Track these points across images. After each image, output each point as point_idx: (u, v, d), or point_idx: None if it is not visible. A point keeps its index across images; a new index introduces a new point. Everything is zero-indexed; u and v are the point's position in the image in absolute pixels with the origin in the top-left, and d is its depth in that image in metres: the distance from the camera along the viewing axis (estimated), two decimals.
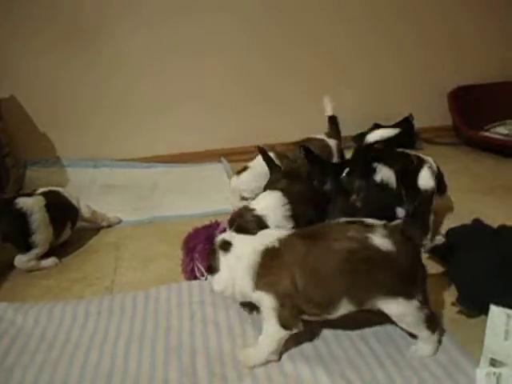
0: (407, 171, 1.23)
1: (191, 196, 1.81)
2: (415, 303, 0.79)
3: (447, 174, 1.39)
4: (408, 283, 0.80)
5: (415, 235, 0.82)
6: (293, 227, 1.06)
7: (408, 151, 1.38)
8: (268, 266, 0.82)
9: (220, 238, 0.90)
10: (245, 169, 1.42)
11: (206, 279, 1.10)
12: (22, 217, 1.21)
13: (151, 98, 2.18)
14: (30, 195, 1.31)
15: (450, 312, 0.97)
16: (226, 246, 0.87)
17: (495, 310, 0.89)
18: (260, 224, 1.02)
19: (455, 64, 2.49)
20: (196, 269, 1.10)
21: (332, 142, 1.57)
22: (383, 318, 0.87)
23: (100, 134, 2.17)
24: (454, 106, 2.34)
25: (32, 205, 1.24)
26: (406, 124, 2.47)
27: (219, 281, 0.86)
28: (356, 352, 0.86)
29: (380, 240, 0.78)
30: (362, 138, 2.38)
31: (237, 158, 2.06)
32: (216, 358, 0.86)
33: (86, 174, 2.11)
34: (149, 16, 2.07)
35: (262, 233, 0.90)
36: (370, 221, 0.83)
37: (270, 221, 1.04)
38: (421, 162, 1.26)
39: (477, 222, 1.14)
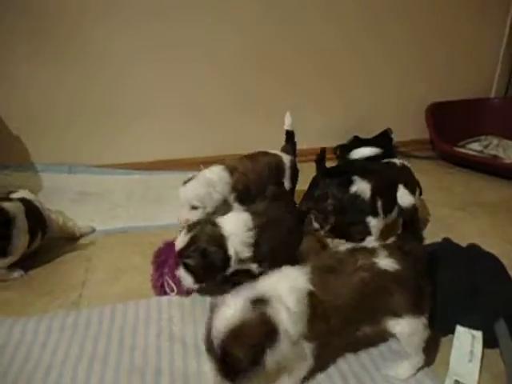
0: (383, 187, 1.28)
1: (169, 205, 1.78)
2: (423, 320, 0.82)
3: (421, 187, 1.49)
4: (417, 298, 0.82)
5: (413, 248, 0.86)
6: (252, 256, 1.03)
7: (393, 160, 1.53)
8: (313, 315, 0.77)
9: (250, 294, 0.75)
10: (192, 178, 1.34)
11: (175, 294, 1.08)
12: (7, 222, 1.17)
13: (129, 104, 2.14)
14: (7, 199, 1.26)
15: None
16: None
17: (461, 331, 0.90)
18: (219, 244, 0.99)
19: (434, 79, 2.55)
20: (166, 284, 1.08)
21: (286, 158, 1.50)
22: None
23: (76, 140, 2.12)
24: (431, 121, 2.39)
25: (15, 210, 1.20)
26: (384, 137, 2.53)
27: None
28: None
29: (385, 261, 0.81)
30: (341, 150, 2.48)
31: None
32: (180, 379, 0.84)
33: (60, 180, 2.06)
34: (128, 20, 2.02)
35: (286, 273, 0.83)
36: (370, 245, 0.88)
37: (230, 243, 1.00)
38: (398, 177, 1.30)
39: (446, 241, 1.15)
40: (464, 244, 1.14)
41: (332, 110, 2.48)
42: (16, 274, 1.24)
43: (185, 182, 1.32)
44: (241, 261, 1.02)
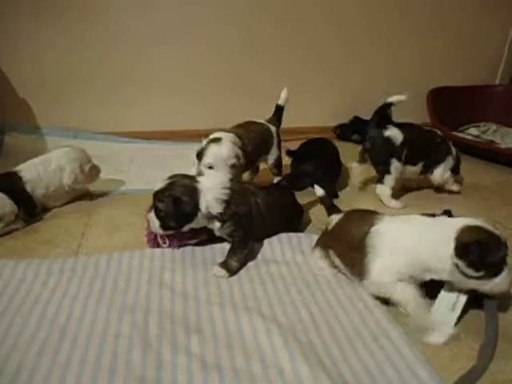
0: (414, 142, 1.57)
1: (168, 171, 1.82)
2: None
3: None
4: None
5: None
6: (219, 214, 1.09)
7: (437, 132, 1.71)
8: None
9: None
10: (215, 140, 1.33)
11: (167, 247, 1.15)
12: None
13: (137, 76, 2.20)
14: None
15: None
16: None
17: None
18: (192, 195, 1.05)
19: (436, 64, 2.55)
20: (159, 237, 1.15)
21: (272, 128, 1.58)
22: None
23: (83, 107, 2.19)
24: (432, 106, 2.40)
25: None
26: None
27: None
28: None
29: None
30: (341, 129, 2.50)
31: None
32: (167, 318, 0.91)
33: (65, 144, 2.12)
34: None
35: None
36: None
37: (202, 198, 1.06)
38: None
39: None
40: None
41: (330, 94, 2.50)
42: (17, 224, 1.31)
43: (210, 142, 1.33)
44: (208, 217, 1.08)
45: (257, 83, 2.31)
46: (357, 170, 1.69)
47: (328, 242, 1.08)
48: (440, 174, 1.61)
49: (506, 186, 1.83)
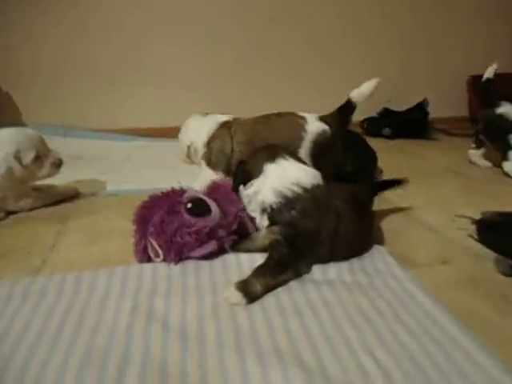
0: None
1: (167, 171, 1.53)
2: None
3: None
4: None
5: None
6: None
7: None
8: None
9: None
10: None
11: (161, 261, 0.82)
12: None
13: (134, 69, 2.00)
14: None
15: None
16: None
17: None
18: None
19: (476, 52, 2.26)
20: (149, 247, 0.82)
21: (311, 127, 1.13)
22: None
23: (76, 103, 1.98)
24: (472, 92, 2.07)
25: None
26: (419, 111, 2.22)
27: None
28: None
29: None
30: (369, 123, 2.19)
31: None
32: (155, 370, 0.58)
33: (53, 143, 1.84)
34: None
35: None
36: None
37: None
38: None
39: None
40: None
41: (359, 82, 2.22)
42: None
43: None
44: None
45: (261, 77, 2.11)
46: (475, 155, 1.66)
47: None
48: None
49: None
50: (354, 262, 0.86)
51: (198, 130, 1.27)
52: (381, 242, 0.97)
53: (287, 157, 0.88)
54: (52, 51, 1.88)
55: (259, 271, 0.76)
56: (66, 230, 1.05)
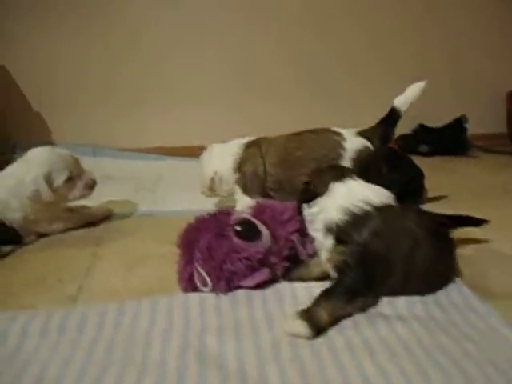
0: None
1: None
2: None
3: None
4: None
5: None
6: None
7: None
8: None
9: None
10: None
11: (210, 290, 0.74)
12: None
13: (163, 85, 1.96)
14: None
15: None
16: None
17: None
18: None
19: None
20: (196, 275, 0.74)
21: (350, 144, 1.02)
22: None
23: (102, 120, 1.93)
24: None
25: None
26: (456, 127, 2.12)
27: None
28: None
29: None
30: (403, 140, 2.10)
31: None
32: None
33: (83, 163, 1.83)
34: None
35: None
36: None
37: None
38: None
39: None
40: None
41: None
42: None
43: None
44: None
45: (292, 94, 2.04)
46: None
47: None
48: None
49: None
50: None
51: (222, 157, 1.16)
52: None
53: (355, 177, 0.80)
54: (77, 70, 1.87)
55: (324, 298, 0.67)
56: (100, 254, 0.99)
